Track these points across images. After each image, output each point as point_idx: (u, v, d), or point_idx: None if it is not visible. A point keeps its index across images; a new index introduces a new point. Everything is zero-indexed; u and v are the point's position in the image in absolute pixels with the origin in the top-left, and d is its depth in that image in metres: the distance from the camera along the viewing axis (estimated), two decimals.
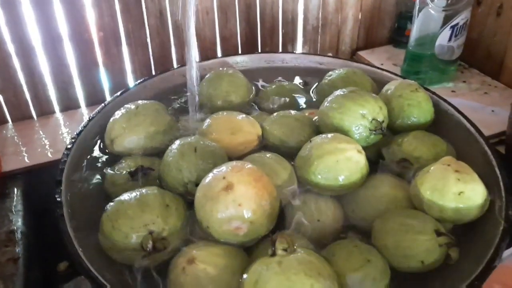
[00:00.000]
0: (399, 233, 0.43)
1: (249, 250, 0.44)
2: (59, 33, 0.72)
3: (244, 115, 0.57)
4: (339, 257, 0.42)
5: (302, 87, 0.68)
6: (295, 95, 0.65)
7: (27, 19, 0.69)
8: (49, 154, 0.69)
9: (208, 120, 0.57)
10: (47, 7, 0.69)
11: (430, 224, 0.43)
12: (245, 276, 0.38)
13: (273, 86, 0.67)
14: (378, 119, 0.53)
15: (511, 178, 0.48)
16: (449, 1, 0.75)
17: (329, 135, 0.49)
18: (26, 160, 0.68)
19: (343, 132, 0.51)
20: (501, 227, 0.44)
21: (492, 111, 0.76)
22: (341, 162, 0.47)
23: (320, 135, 0.50)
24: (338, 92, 0.55)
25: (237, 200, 0.40)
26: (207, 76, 0.65)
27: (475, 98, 0.80)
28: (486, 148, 0.53)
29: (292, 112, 0.58)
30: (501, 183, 0.48)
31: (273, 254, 0.38)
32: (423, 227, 0.43)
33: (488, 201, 0.46)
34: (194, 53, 0.60)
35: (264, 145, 0.57)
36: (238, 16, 0.83)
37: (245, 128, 0.55)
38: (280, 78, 0.71)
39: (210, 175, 0.43)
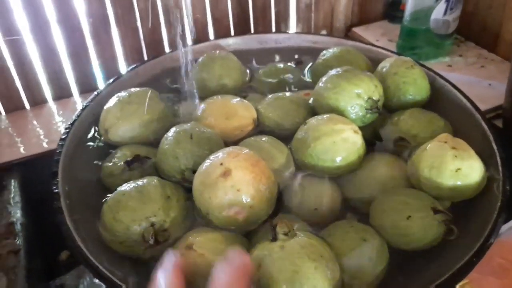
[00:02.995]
0: (395, 212, 0.43)
1: (248, 236, 0.44)
2: (47, 21, 0.70)
3: (238, 99, 0.57)
4: (335, 238, 0.42)
5: (296, 67, 0.67)
6: (290, 75, 0.64)
7: (13, 7, 0.68)
8: (44, 144, 0.68)
9: (202, 105, 0.56)
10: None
11: (426, 202, 0.43)
12: None
13: (267, 68, 0.66)
14: (374, 98, 0.53)
15: (509, 152, 0.48)
16: None
17: (325, 116, 0.49)
18: (22, 151, 0.67)
19: (339, 112, 0.51)
20: (498, 203, 0.44)
21: (489, 84, 0.75)
22: (338, 143, 0.46)
23: (316, 116, 0.50)
24: (333, 72, 0.55)
25: (235, 185, 0.40)
26: (199, 60, 0.64)
27: (472, 72, 0.79)
28: (483, 123, 0.52)
29: (287, 94, 0.58)
30: (498, 158, 0.48)
31: (274, 239, 0.38)
32: (419, 205, 0.43)
33: (486, 178, 0.46)
34: (188, 37, 0.59)
35: (259, 128, 0.56)
36: None
37: (240, 112, 0.55)
38: (274, 59, 0.70)
39: (207, 161, 0.43)
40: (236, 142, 0.52)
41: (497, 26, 0.83)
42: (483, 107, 0.68)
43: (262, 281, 0.36)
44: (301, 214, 0.47)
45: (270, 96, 0.58)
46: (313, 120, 0.49)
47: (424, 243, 0.42)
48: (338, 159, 0.47)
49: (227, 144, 0.51)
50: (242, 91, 0.64)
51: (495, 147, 0.49)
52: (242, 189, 0.40)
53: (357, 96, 0.51)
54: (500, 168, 0.47)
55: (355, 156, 0.47)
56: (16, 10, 0.68)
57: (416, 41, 0.82)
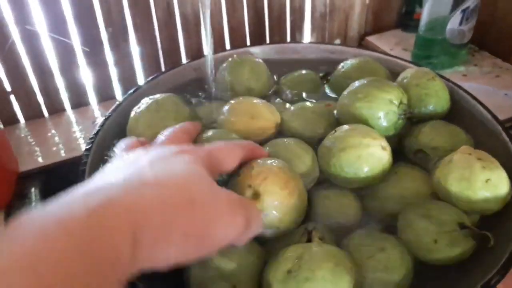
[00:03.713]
0: (420, 226, 0.43)
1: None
2: (67, 30, 0.71)
3: (264, 101, 0.57)
4: (353, 247, 0.42)
5: (321, 77, 0.67)
6: (313, 85, 0.64)
7: (35, 17, 0.68)
8: (62, 153, 0.69)
9: (228, 105, 0.57)
10: (55, 6, 0.69)
11: (453, 217, 0.43)
12: (276, 259, 0.39)
13: (291, 75, 0.66)
14: (404, 102, 0.53)
15: None
16: None
17: (355, 127, 0.49)
18: (40, 160, 0.68)
19: (373, 120, 0.51)
20: None
21: (505, 94, 0.76)
22: (363, 157, 0.46)
23: (346, 125, 0.50)
24: (357, 82, 0.55)
25: (264, 210, 0.40)
26: (225, 64, 0.64)
27: (487, 81, 0.79)
28: (504, 135, 0.53)
29: (309, 103, 0.58)
30: None
31: (309, 241, 0.39)
32: (446, 219, 0.43)
33: (511, 189, 0.46)
34: (210, 45, 0.60)
35: (280, 136, 0.57)
36: (245, 5, 0.82)
37: (265, 114, 0.55)
38: (293, 68, 0.70)
39: (234, 179, 0.43)
40: (258, 142, 0.53)
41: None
42: (500, 117, 0.68)
43: (301, 273, 0.36)
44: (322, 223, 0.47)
45: (294, 106, 0.58)
46: (342, 129, 0.49)
47: (451, 258, 0.42)
48: (361, 173, 0.47)
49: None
50: (266, 96, 0.64)
51: None
52: (270, 214, 0.41)
53: (389, 102, 0.51)
54: None
55: (379, 172, 0.47)
56: (36, 16, 0.69)
57: (432, 51, 0.82)
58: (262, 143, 0.53)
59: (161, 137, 0.43)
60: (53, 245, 0.23)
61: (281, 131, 0.57)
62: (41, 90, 0.75)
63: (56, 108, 0.77)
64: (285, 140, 0.52)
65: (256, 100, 0.57)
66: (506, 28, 0.84)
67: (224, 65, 0.64)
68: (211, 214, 0.31)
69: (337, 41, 0.95)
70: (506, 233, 0.44)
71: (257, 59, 0.65)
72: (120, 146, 0.43)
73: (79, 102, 0.78)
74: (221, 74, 0.63)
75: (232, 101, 0.57)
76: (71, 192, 0.28)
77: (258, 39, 0.86)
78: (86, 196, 0.27)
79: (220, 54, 0.68)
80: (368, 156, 0.46)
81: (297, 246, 0.39)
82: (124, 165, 0.33)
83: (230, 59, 0.64)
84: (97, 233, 0.25)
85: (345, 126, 0.50)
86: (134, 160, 0.34)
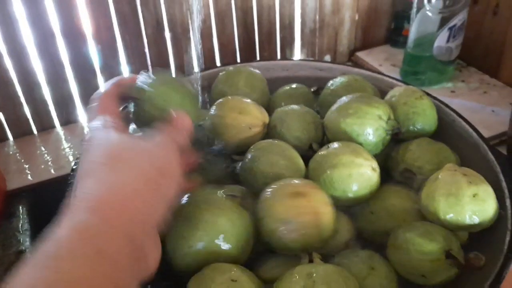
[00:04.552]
0: (407, 252, 0.43)
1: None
2: (56, 46, 0.71)
3: (254, 102, 0.57)
4: (344, 266, 0.42)
5: (314, 92, 0.68)
6: (306, 99, 0.65)
7: (23, 33, 0.68)
8: (52, 170, 0.69)
9: (218, 102, 0.57)
10: (43, 23, 0.69)
11: (440, 244, 0.43)
12: (285, 280, 0.39)
13: (283, 89, 0.66)
14: (392, 118, 0.54)
15: None
16: (446, 2, 0.75)
17: (348, 145, 0.50)
18: (29, 178, 0.67)
19: (364, 135, 0.52)
20: (507, 238, 0.44)
21: (492, 111, 0.77)
22: (353, 176, 0.47)
23: (339, 142, 0.51)
24: (346, 98, 0.55)
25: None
26: (221, 74, 0.64)
27: (475, 98, 0.80)
28: (490, 154, 0.53)
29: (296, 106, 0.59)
30: (506, 190, 0.48)
31: (311, 261, 0.40)
32: (432, 249, 0.42)
33: (498, 205, 0.46)
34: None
35: (267, 137, 0.57)
36: (235, 22, 0.82)
37: (253, 112, 0.56)
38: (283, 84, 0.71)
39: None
40: (244, 141, 0.54)
41: (499, 52, 0.84)
42: (487, 133, 0.69)
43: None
44: None
45: (279, 109, 0.59)
46: (335, 146, 0.50)
47: (434, 283, 0.43)
48: (350, 191, 0.47)
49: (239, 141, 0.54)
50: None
51: (502, 178, 0.50)
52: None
53: (379, 118, 0.52)
54: (508, 201, 0.47)
55: (367, 192, 0.48)
56: (24, 34, 0.69)
57: (420, 67, 0.83)
58: (250, 143, 0.54)
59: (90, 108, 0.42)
60: None
61: (268, 133, 0.57)
62: (29, 107, 0.74)
63: (45, 125, 0.76)
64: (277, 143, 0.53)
65: (245, 99, 0.57)
66: (492, 44, 0.85)
67: (220, 75, 0.64)
68: (162, 166, 0.35)
69: (327, 56, 0.96)
70: (493, 250, 0.44)
71: (253, 70, 0.65)
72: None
73: (68, 119, 0.78)
74: (216, 85, 0.63)
75: (222, 99, 0.57)
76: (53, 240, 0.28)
77: (248, 55, 0.86)
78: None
79: (212, 71, 0.69)
80: (358, 175, 0.47)
81: (302, 267, 0.39)
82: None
83: (225, 70, 0.65)
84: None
85: (338, 143, 0.51)
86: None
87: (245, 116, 0.55)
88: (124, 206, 0.31)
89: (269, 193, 0.45)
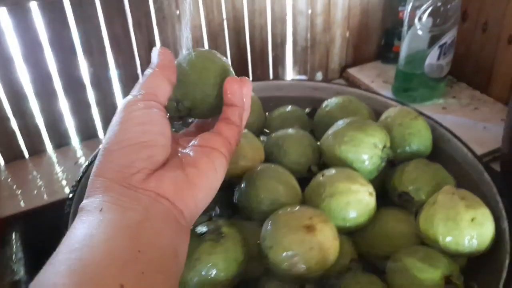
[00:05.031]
0: (407, 276, 0.43)
1: None
2: (47, 69, 0.71)
3: (248, 136, 0.56)
4: None
5: (308, 113, 0.68)
6: (300, 121, 0.65)
7: (15, 57, 0.68)
8: (45, 196, 0.68)
9: None
10: (36, 47, 0.68)
11: (440, 269, 0.43)
12: None
13: (277, 112, 0.66)
14: (388, 146, 0.54)
15: (508, 197, 0.49)
16: (436, 21, 0.76)
17: (343, 171, 0.50)
18: (22, 204, 0.66)
19: (359, 163, 0.52)
20: (506, 260, 0.44)
21: (484, 127, 0.77)
22: (351, 204, 0.47)
23: (334, 169, 0.51)
24: (341, 123, 0.55)
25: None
26: None
27: (467, 114, 0.81)
28: (486, 174, 0.53)
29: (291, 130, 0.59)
30: (503, 212, 0.49)
31: None
32: (432, 273, 0.43)
33: (496, 228, 0.46)
34: None
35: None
36: (228, 42, 0.83)
37: (249, 155, 0.54)
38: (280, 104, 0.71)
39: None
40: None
41: (488, 68, 0.85)
42: (480, 150, 0.70)
43: None
44: None
45: (274, 134, 0.59)
46: (331, 173, 0.50)
47: None
48: (349, 218, 0.48)
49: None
50: (258, 130, 0.64)
51: (499, 199, 0.50)
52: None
53: (374, 146, 0.52)
54: (505, 222, 0.48)
55: (366, 218, 0.48)
56: (17, 60, 0.68)
57: (411, 84, 0.84)
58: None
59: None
60: None
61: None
62: (21, 130, 0.73)
63: (37, 149, 0.75)
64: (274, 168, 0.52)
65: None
66: (482, 61, 0.86)
67: None
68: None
69: (319, 73, 0.97)
70: (493, 273, 0.44)
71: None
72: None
73: (60, 142, 0.77)
74: None
75: None
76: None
77: (241, 75, 0.85)
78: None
79: None
80: (356, 202, 0.47)
81: None
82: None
83: None
84: None
85: (333, 169, 0.51)
86: None
87: (239, 160, 0.53)
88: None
89: (280, 220, 0.45)
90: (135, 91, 0.37)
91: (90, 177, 0.34)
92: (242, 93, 0.39)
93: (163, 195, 0.33)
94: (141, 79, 0.38)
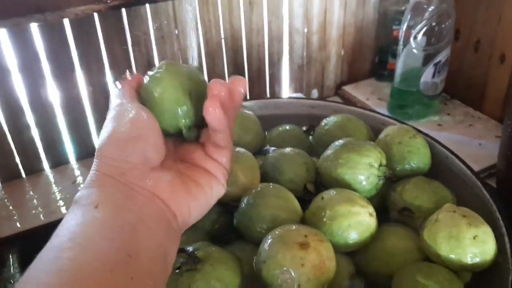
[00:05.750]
0: None
1: None
2: (45, 88, 0.70)
3: (245, 158, 0.56)
4: None
5: (306, 131, 0.68)
6: (298, 140, 0.65)
7: (13, 73, 0.68)
8: (41, 216, 0.67)
9: None
10: (34, 65, 0.68)
11: (445, 287, 0.43)
12: None
13: (276, 131, 0.67)
14: (383, 164, 0.54)
15: (506, 213, 0.50)
16: (431, 40, 0.77)
17: (342, 193, 0.50)
18: (18, 225, 0.65)
19: (356, 184, 0.52)
20: (509, 277, 0.45)
21: (479, 144, 0.79)
22: (353, 226, 0.47)
23: (333, 191, 0.51)
24: (337, 144, 0.56)
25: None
26: None
27: (462, 131, 0.82)
28: (484, 191, 0.54)
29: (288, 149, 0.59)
30: (503, 229, 0.49)
31: None
32: None
33: (497, 245, 0.47)
34: None
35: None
36: (225, 61, 0.83)
37: (240, 182, 0.54)
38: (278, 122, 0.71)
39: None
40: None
41: (481, 85, 0.87)
42: (476, 167, 0.70)
43: None
44: None
45: (270, 154, 0.59)
46: (330, 196, 0.50)
47: None
48: (350, 240, 0.48)
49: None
50: (257, 149, 0.64)
51: (498, 216, 0.51)
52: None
53: (370, 166, 0.53)
54: (505, 238, 0.48)
55: (367, 238, 0.49)
56: (14, 75, 0.68)
57: (407, 101, 0.85)
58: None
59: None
60: None
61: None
62: (17, 149, 0.73)
63: (34, 168, 0.75)
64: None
65: (236, 162, 0.54)
66: (475, 79, 0.88)
67: None
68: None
69: (314, 90, 0.98)
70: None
71: (247, 112, 0.65)
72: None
73: (58, 160, 0.76)
74: None
75: None
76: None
77: None
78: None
79: None
80: (357, 224, 0.48)
81: None
82: None
83: None
84: None
85: (332, 191, 0.51)
86: None
87: (232, 188, 0.52)
88: None
89: (276, 237, 0.45)
90: (115, 95, 0.39)
91: (90, 172, 0.35)
92: (223, 117, 0.35)
93: (158, 195, 0.34)
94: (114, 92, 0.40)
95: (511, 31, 0.78)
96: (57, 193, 0.71)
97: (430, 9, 0.76)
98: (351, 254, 0.51)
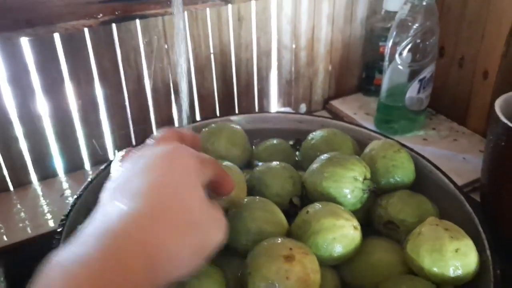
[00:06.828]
0: None
1: None
2: (34, 100, 0.71)
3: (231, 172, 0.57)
4: None
5: (292, 145, 0.69)
6: (285, 154, 0.66)
7: (1, 89, 0.68)
8: (29, 230, 0.67)
9: None
10: (24, 77, 0.69)
11: None
12: None
13: (263, 146, 0.68)
14: (368, 178, 0.55)
15: (489, 227, 0.51)
16: (416, 57, 0.79)
17: (327, 207, 0.51)
18: (5, 238, 0.65)
19: (341, 198, 0.53)
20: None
21: (464, 158, 0.80)
22: (337, 239, 0.48)
23: (318, 205, 0.52)
24: (323, 158, 0.57)
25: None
26: (203, 132, 0.65)
27: (446, 145, 0.84)
28: (468, 206, 0.55)
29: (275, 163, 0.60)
30: (485, 242, 0.50)
31: None
32: None
33: (479, 257, 0.48)
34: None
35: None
36: (214, 75, 0.84)
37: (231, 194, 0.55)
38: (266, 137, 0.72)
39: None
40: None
41: (465, 100, 0.89)
42: (460, 181, 0.72)
43: None
44: None
45: (256, 168, 0.60)
46: (315, 209, 0.51)
47: None
48: (335, 253, 0.49)
49: None
50: (244, 163, 0.65)
51: (481, 229, 0.52)
52: None
53: (354, 180, 0.54)
54: (488, 252, 0.49)
55: (352, 251, 0.49)
56: (3, 87, 0.68)
57: (393, 116, 0.86)
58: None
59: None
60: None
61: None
62: (5, 162, 0.73)
63: (21, 181, 0.75)
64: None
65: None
66: (459, 94, 0.90)
67: (202, 132, 0.65)
68: (207, 231, 0.37)
69: (302, 105, 0.99)
70: None
71: (235, 127, 0.66)
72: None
73: (46, 173, 0.76)
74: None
75: None
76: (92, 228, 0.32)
77: (226, 107, 0.88)
78: (101, 235, 0.31)
79: (194, 125, 0.69)
80: (342, 237, 0.48)
81: None
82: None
83: (206, 128, 0.65)
84: (114, 270, 0.29)
85: (317, 206, 0.52)
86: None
87: (219, 201, 0.52)
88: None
89: (262, 249, 0.45)
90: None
91: None
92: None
93: None
94: None
95: (494, 48, 0.80)
96: (45, 206, 0.71)
97: (414, 27, 0.77)
98: (336, 267, 0.51)
